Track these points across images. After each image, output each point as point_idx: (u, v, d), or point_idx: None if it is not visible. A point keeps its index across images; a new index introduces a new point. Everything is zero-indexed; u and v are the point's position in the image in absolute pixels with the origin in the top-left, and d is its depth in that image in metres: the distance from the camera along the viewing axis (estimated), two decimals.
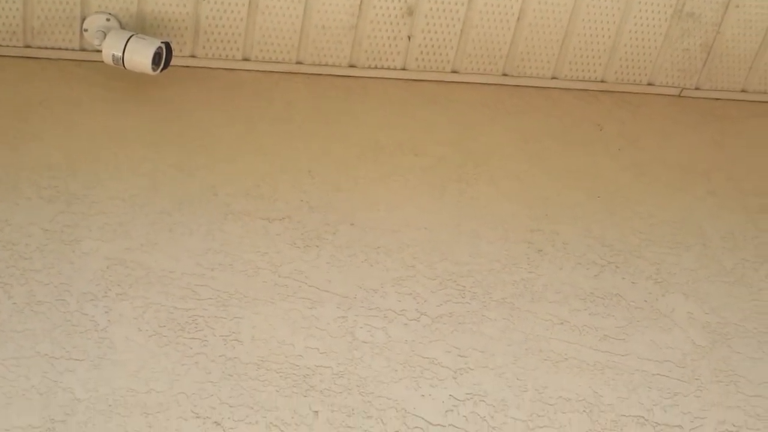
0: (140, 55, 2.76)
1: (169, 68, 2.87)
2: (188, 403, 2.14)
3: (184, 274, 2.42)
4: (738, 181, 3.10)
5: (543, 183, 2.95)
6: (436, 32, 3.08)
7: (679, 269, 2.78)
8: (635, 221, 2.89)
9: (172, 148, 2.74)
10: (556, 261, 2.71)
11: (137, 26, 2.90)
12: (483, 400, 2.35)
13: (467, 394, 2.37)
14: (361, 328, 2.43)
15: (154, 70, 2.79)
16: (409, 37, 3.08)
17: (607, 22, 3.10)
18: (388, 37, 3.08)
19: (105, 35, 2.81)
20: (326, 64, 3.15)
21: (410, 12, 3.01)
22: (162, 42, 2.81)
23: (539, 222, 2.81)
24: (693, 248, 2.85)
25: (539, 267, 2.69)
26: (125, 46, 2.76)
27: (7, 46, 2.92)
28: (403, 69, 3.19)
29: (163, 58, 2.82)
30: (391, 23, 3.03)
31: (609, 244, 2.80)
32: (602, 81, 3.27)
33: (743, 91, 3.33)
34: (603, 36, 3.14)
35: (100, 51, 2.83)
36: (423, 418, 2.29)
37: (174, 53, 2.89)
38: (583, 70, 3.22)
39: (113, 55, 2.78)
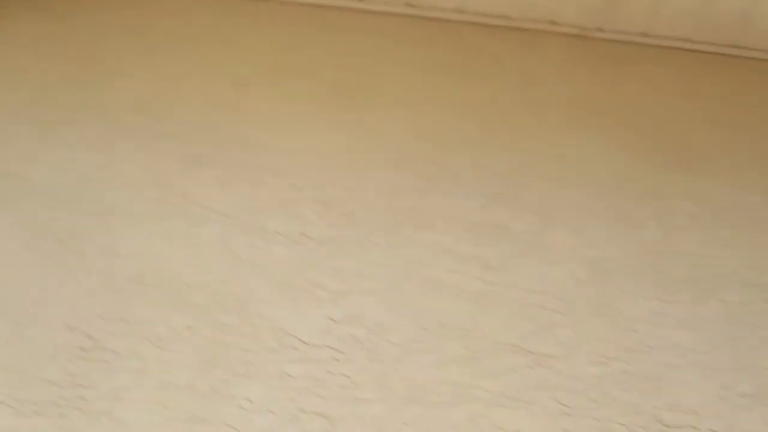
0: None
1: None
2: (61, 314, 2.19)
3: (66, 187, 2.44)
4: (630, 124, 3.23)
5: (437, 113, 3.02)
6: None
7: (566, 204, 2.90)
8: (526, 156, 2.99)
9: (62, 60, 2.76)
10: (444, 191, 2.79)
11: None
12: (360, 323, 2.44)
13: (345, 316, 2.45)
14: (244, 247, 2.47)
15: None
16: None
17: None
18: None
19: None
20: None
21: None
22: None
23: (430, 151, 2.88)
24: (580, 185, 2.97)
25: (427, 196, 2.77)
26: None
27: None
28: None
29: None
30: None
31: (498, 177, 2.90)
32: (506, 17, 3.39)
33: (645, 35, 3.49)
34: None
35: None
36: (298, 338, 2.38)
37: None
38: (488, 5, 3.33)
39: None
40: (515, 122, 3.10)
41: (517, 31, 3.40)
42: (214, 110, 2.84)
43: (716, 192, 3.11)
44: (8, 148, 2.51)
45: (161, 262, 2.38)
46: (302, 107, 2.91)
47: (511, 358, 2.50)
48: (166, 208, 2.53)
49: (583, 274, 2.75)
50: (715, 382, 2.58)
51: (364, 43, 3.18)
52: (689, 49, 3.50)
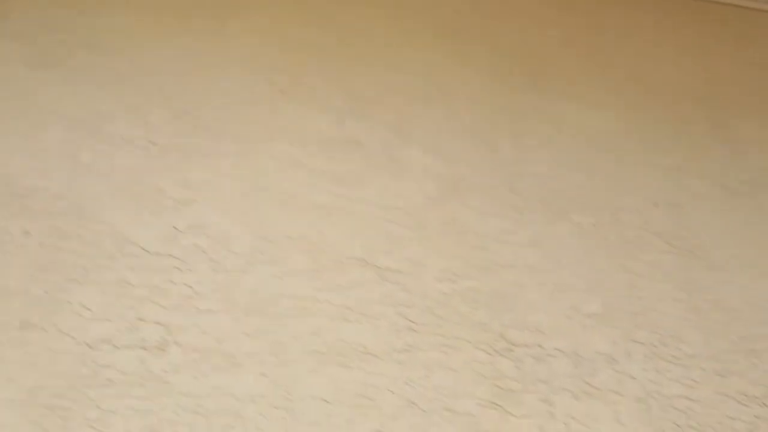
0: None
1: None
2: None
3: None
4: (489, 44, 3.39)
5: (294, 24, 3.09)
6: None
7: (421, 121, 3.05)
8: (382, 71, 3.11)
9: None
10: (298, 103, 2.90)
11: None
12: (205, 233, 2.55)
13: (189, 225, 2.55)
14: (86, 152, 2.53)
15: None
16: None
17: None
18: None
19: None
20: None
21: None
22: None
23: (285, 63, 2.97)
24: (436, 103, 3.12)
25: (280, 108, 2.87)
26: None
27: None
28: None
29: None
30: None
31: (354, 92, 3.01)
32: None
33: None
34: None
35: None
36: (140, 246, 2.48)
37: None
38: None
39: None
40: (372, 36, 3.20)
41: None
42: (61, 10, 2.84)
43: (571, 114, 3.31)
44: None
45: None
46: (155, 10, 2.94)
47: (358, 272, 2.64)
48: (7, 110, 2.54)
49: (434, 191, 2.91)
50: (563, 302, 2.81)
51: None
52: None
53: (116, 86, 2.70)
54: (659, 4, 3.76)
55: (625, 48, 3.57)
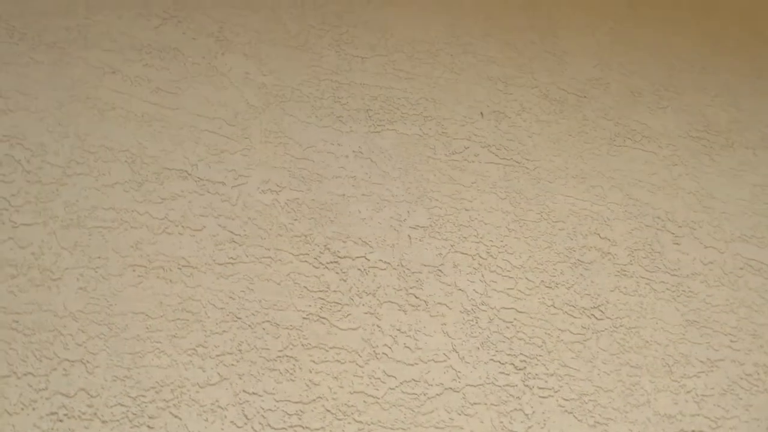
0: None
1: None
2: None
3: None
4: None
5: None
6: None
7: (243, 30, 3.28)
8: None
9: None
10: (114, 8, 3.08)
11: None
12: (20, 144, 2.75)
13: (4, 135, 2.73)
14: None
15: None
16: None
17: None
18: None
19: None
20: None
21: None
22: None
23: None
24: (260, 11, 3.33)
25: (96, 13, 3.04)
26: None
27: None
28: None
29: None
30: None
31: None
32: None
33: None
34: None
35: None
36: None
37: None
38: None
39: None
40: None
41: None
42: None
43: (398, 22, 3.61)
44: None
45: None
46: None
47: (179, 183, 2.90)
48: None
49: (256, 101, 3.17)
50: (388, 214, 3.14)
51: None
52: None
53: None
54: None
55: None
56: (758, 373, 3.32)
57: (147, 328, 2.66)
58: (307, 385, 2.75)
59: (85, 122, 2.88)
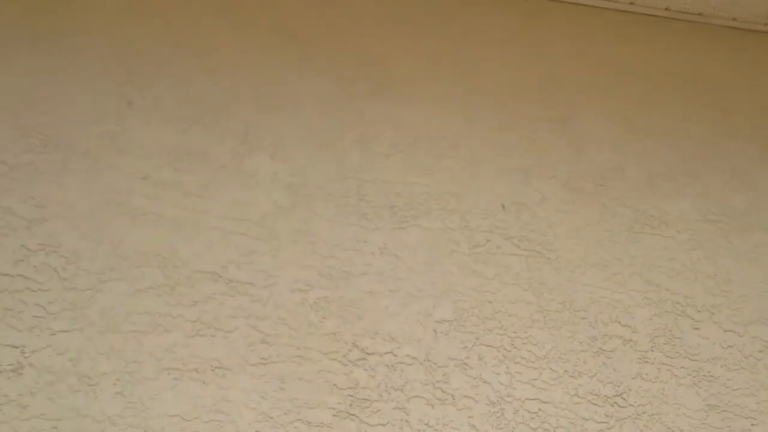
0: None
1: None
2: None
3: None
4: (334, 49, 3.75)
5: (137, 33, 3.42)
6: None
7: (268, 131, 3.37)
8: (227, 79, 3.44)
9: None
10: (144, 115, 3.18)
11: None
12: (56, 251, 2.80)
13: (40, 244, 2.80)
14: None
15: None
16: None
17: None
18: None
19: None
20: None
21: None
22: None
23: (131, 75, 3.25)
24: (283, 110, 3.44)
25: (127, 120, 3.14)
26: None
27: None
28: None
29: None
30: None
31: (199, 101, 3.32)
32: None
33: None
34: None
35: None
36: None
37: None
38: None
39: None
40: (217, 46, 3.53)
41: None
42: None
43: (418, 119, 3.68)
44: None
45: None
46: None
47: (210, 286, 2.95)
48: None
49: (284, 201, 3.24)
50: (414, 309, 3.15)
51: None
52: None
53: None
54: (499, 5, 4.19)
55: (467, 51, 3.97)
56: None
57: (182, 430, 2.67)
58: None
59: (118, 228, 2.94)
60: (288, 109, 3.45)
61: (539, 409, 3.12)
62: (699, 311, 3.53)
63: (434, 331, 3.15)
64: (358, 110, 3.56)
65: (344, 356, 2.99)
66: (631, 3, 4.39)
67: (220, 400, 2.75)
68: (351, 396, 2.91)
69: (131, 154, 3.10)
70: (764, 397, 3.33)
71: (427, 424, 2.94)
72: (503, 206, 3.57)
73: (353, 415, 2.88)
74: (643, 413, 3.22)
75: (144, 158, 3.11)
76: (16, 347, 2.64)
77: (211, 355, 2.84)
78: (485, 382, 3.12)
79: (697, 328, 3.49)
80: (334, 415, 2.86)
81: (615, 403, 3.24)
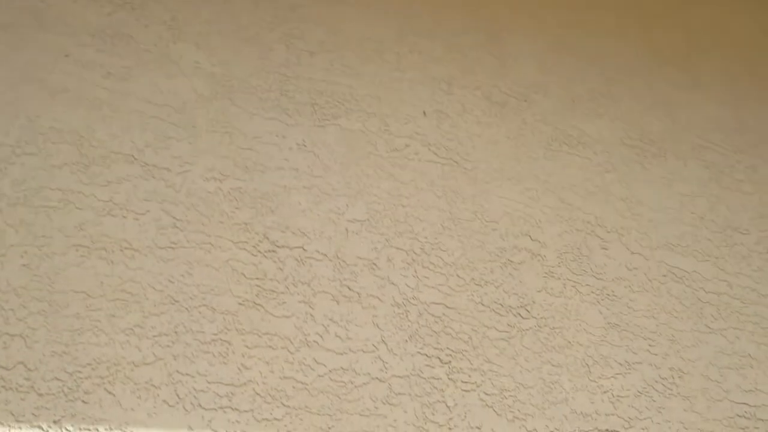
0: None
1: None
2: None
3: None
4: None
5: None
6: None
7: (195, 20, 3.38)
8: None
9: None
10: None
11: None
12: None
13: None
14: None
15: None
16: None
17: None
18: None
19: None
20: None
21: None
22: None
23: None
24: (213, 2, 3.44)
25: None
26: None
27: None
28: None
29: None
30: None
31: None
32: None
33: None
34: None
35: None
36: None
37: None
38: None
39: None
40: None
41: None
42: None
43: (347, 20, 3.72)
44: None
45: None
46: None
47: (125, 167, 3.00)
48: None
49: (205, 90, 3.28)
50: (327, 206, 3.25)
51: None
52: None
53: None
54: None
55: None
56: (673, 378, 3.48)
57: (87, 306, 2.75)
58: (239, 369, 2.85)
59: (36, 103, 2.95)
60: (218, 1, 3.46)
61: (443, 314, 3.27)
62: (608, 232, 3.65)
63: (345, 229, 3.26)
64: (289, 6, 3.60)
65: (254, 247, 3.09)
66: None
67: (127, 280, 2.84)
68: (258, 286, 3.02)
69: (54, 31, 3.10)
70: (664, 320, 3.44)
71: (331, 320, 3.08)
72: (424, 113, 3.67)
73: (259, 305, 3.01)
74: (545, 326, 3.40)
75: (67, 36, 3.12)
76: None
77: (120, 235, 2.91)
78: (392, 283, 3.25)
79: (605, 248, 3.63)
80: (239, 304, 2.97)
81: (518, 314, 3.41)
